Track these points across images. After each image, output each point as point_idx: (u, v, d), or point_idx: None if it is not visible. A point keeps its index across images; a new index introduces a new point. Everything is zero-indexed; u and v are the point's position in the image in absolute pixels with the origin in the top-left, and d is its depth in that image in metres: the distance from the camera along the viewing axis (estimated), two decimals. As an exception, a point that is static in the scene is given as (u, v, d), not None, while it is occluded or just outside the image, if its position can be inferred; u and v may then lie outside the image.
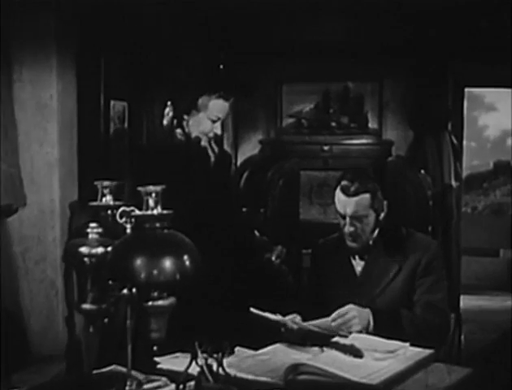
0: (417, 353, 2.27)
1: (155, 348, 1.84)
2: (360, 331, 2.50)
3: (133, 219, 1.86)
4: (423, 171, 5.70)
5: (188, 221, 2.10)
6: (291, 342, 2.42)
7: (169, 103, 2.89)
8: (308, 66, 6.33)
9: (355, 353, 2.25)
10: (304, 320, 2.51)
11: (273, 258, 2.98)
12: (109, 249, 1.86)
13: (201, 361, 1.89)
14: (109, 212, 2.02)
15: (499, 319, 6.34)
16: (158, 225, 1.80)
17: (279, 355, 2.30)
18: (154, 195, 1.81)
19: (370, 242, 2.76)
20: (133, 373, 1.96)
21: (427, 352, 2.28)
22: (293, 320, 2.49)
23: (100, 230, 1.93)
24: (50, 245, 3.41)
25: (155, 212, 1.80)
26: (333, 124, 6.51)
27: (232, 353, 2.24)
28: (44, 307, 3.41)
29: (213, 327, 2.42)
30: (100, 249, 1.89)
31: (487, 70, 6.17)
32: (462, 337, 3.39)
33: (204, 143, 2.88)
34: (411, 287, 2.70)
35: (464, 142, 6.96)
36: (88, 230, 1.92)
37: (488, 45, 5.67)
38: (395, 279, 2.72)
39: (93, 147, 3.91)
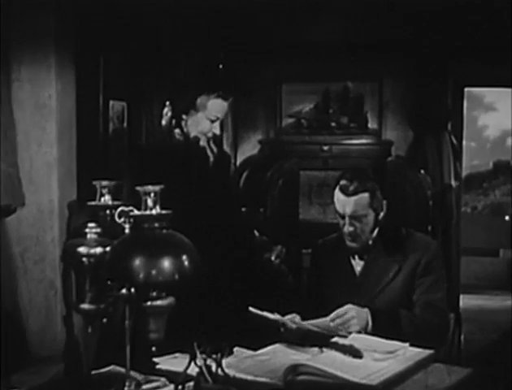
0: (417, 353, 2.27)
1: (154, 348, 1.84)
2: (359, 332, 2.49)
3: (132, 219, 1.86)
4: (422, 171, 5.70)
5: (187, 221, 2.09)
6: (290, 342, 2.42)
7: (167, 103, 2.88)
8: (308, 66, 6.32)
9: (354, 353, 2.24)
10: (303, 320, 2.50)
11: (273, 258, 2.97)
12: (107, 249, 1.86)
13: (200, 361, 1.89)
14: (107, 212, 2.02)
15: (499, 319, 6.34)
16: (156, 225, 1.79)
17: (279, 355, 2.30)
18: (152, 195, 1.80)
19: (370, 242, 2.76)
20: (132, 373, 1.95)
21: (427, 352, 2.28)
22: (292, 320, 2.48)
23: (98, 230, 1.93)
24: (49, 245, 3.41)
25: (154, 212, 1.80)
26: (333, 124, 6.50)
27: (231, 353, 2.23)
28: (43, 307, 3.41)
29: (212, 328, 2.41)
30: (98, 249, 1.89)
31: (487, 70, 6.17)
32: (462, 337, 3.39)
33: (203, 143, 2.87)
34: (411, 287, 2.70)
35: (464, 142, 6.96)
36: (87, 230, 1.92)
37: (487, 45, 5.67)
38: (394, 279, 2.71)
39: (92, 147, 3.90)
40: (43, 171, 3.43)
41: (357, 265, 2.79)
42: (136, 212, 1.83)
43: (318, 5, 5.29)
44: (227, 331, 2.38)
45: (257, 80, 6.38)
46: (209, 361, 1.90)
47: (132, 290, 1.80)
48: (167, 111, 2.88)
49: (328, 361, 2.16)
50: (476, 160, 10.53)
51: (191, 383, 1.92)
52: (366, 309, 2.55)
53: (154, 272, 1.73)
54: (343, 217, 2.71)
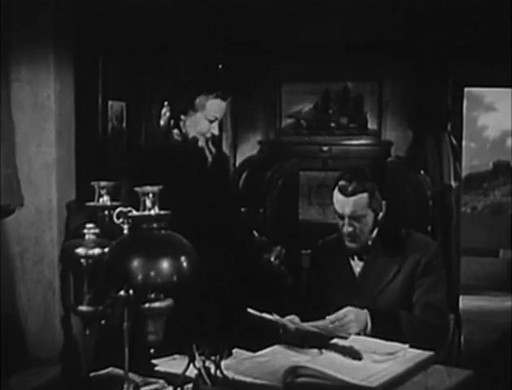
0: (417, 354, 2.26)
1: (152, 350, 1.83)
2: (358, 334, 2.48)
3: (130, 220, 1.85)
4: (422, 172, 5.70)
5: (186, 222, 2.08)
6: (289, 344, 2.41)
7: (166, 103, 2.87)
8: (307, 66, 6.31)
9: (354, 355, 2.24)
10: (303, 321, 2.50)
11: (272, 259, 2.96)
12: (106, 250, 1.85)
13: (198, 363, 1.88)
14: (106, 213, 2.01)
15: (499, 320, 6.34)
16: (155, 226, 1.79)
17: (278, 357, 2.29)
18: (151, 195, 1.80)
19: (369, 242, 2.75)
20: (130, 375, 1.95)
21: (427, 354, 2.27)
22: (291, 321, 2.47)
23: (97, 231, 1.92)
24: (48, 246, 3.39)
25: (152, 213, 1.79)
26: (332, 125, 6.49)
27: (229, 354, 2.23)
28: (41, 308, 3.39)
29: (211, 329, 2.40)
30: (97, 250, 1.88)
31: (487, 70, 6.16)
32: (462, 338, 3.38)
33: (201, 143, 2.87)
34: (410, 287, 2.69)
35: (464, 142, 6.96)
36: (85, 231, 1.91)
37: (487, 45, 5.66)
38: (394, 279, 2.71)
39: (91, 147, 3.89)
40: (42, 171, 3.41)
41: (357, 265, 2.78)
42: (134, 213, 1.82)
43: (318, 5, 5.29)
44: (226, 333, 2.38)
45: (256, 80, 6.37)
46: (208, 363, 1.89)
47: (131, 292, 1.79)
48: (165, 111, 2.87)
49: (328, 362, 2.16)
50: (476, 160, 10.53)
51: (190, 385, 1.92)
52: (365, 311, 2.55)
53: (152, 273, 1.72)
54: (342, 217, 2.70)
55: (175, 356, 2.24)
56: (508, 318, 5.97)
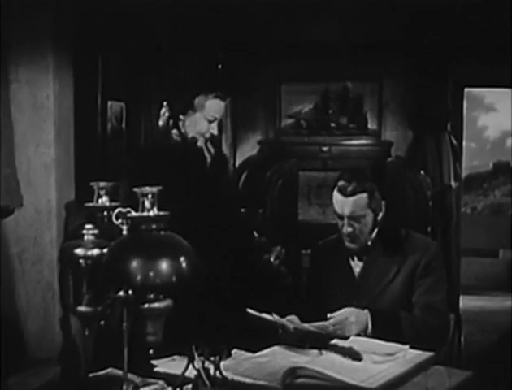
0: (417, 355, 2.25)
1: (151, 351, 1.82)
2: (359, 334, 2.48)
3: (129, 221, 1.84)
4: (422, 172, 5.69)
5: (185, 222, 2.08)
6: (289, 344, 2.40)
7: (165, 103, 2.87)
8: (307, 66, 6.31)
9: (354, 355, 2.23)
10: (302, 321, 2.49)
11: (272, 259, 2.96)
12: (105, 250, 1.85)
13: (198, 364, 1.88)
14: (105, 213, 2.01)
15: (499, 320, 6.33)
16: (154, 227, 1.78)
17: (278, 358, 2.29)
18: (150, 196, 1.79)
19: (369, 243, 2.75)
20: (130, 376, 1.94)
21: (427, 354, 2.27)
22: (291, 320, 2.47)
23: (96, 231, 1.92)
24: (47, 246, 3.39)
25: (151, 213, 1.78)
26: (332, 125, 6.49)
27: (229, 355, 2.22)
28: (40, 308, 3.39)
29: (210, 330, 2.40)
30: (96, 251, 1.88)
31: (487, 70, 6.16)
32: (462, 339, 3.37)
33: (200, 144, 2.86)
34: (410, 288, 2.69)
35: (464, 143, 6.95)
36: (84, 231, 1.91)
37: (487, 45, 5.66)
38: (394, 280, 2.70)
39: (91, 148, 3.88)
40: (41, 171, 3.41)
41: (357, 266, 2.78)
42: (133, 213, 1.81)
43: (318, 5, 5.28)
44: (225, 333, 2.37)
45: (256, 80, 6.37)
46: (207, 364, 1.89)
47: (130, 292, 1.79)
48: (164, 112, 2.87)
49: (327, 363, 2.15)
50: (476, 161, 10.52)
51: (189, 386, 1.91)
52: (365, 312, 2.54)
53: (151, 274, 1.72)
54: (341, 218, 2.70)
55: (175, 356, 2.24)
56: (508, 318, 5.97)
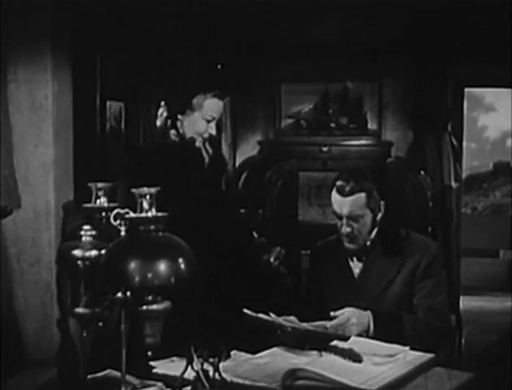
0: (417, 357, 2.24)
1: (150, 352, 1.81)
2: (360, 335, 2.47)
3: (127, 222, 1.83)
4: (422, 172, 5.68)
5: (184, 223, 2.06)
6: (289, 345, 2.39)
7: (163, 103, 2.85)
8: (307, 66, 6.31)
9: (354, 357, 2.22)
10: (302, 322, 2.48)
11: (272, 260, 2.95)
12: (103, 251, 1.83)
13: (197, 365, 1.86)
14: (103, 214, 1.99)
15: (499, 320, 6.33)
16: (152, 228, 1.77)
17: (277, 359, 2.27)
18: (148, 197, 1.78)
19: (368, 243, 2.73)
20: (128, 378, 1.93)
21: (428, 356, 2.25)
22: (289, 320, 2.45)
23: (93, 232, 1.90)
24: (45, 247, 3.39)
25: (150, 214, 1.77)
26: (332, 125, 6.48)
27: (228, 356, 2.21)
28: (39, 309, 3.39)
29: (209, 331, 2.38)
30: (93, 252, 1.86)
31: (487, 70, 6.16)
32: (463, 340, 3.36)
33: (198, 144, 2.85)
34: (410, 289, 2.68)
35: (464, 143, 6.95)
36: (82, 232, 1.90)
37: (488, 45, 5.66)
38: (394, 280, 2.69)
39: (89, 148, 3.88)
40: (39, 172, 3.41)
41: (356, 266, 2.77)
42: (131, 214, 1.80)
43: (319, 5, 5.28)
44: (224, 335, 2.36)
45: (256, 80, 6.37)
46: (206, 366, 1.87)
47: (128, 294, 1.78)
48: (162, 112, 2.85)
49: (327, 365, 2.14)
50: (476, 161, 10.52)
51: (188, 388, 1.90)
52: (367, 312, 2.53)
53: (149, 276, 1.70)
54: (340, 218, 2.69)
55: (173, 358, 2.23)
56: (508, 318, 5.96)
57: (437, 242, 3.51)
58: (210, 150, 2.89)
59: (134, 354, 1.87)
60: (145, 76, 4.43)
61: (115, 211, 1.86)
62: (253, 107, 6.51)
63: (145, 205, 1.77)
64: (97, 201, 2.03)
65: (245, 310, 2.38)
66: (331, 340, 2.38)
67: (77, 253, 1.86)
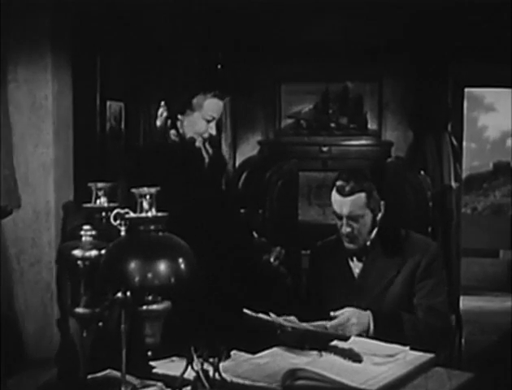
0: (417, 357, 2.24)
1: (150, 352, 1.81)
2: (360, 335, 2.47)
3: (127, 222, 1.83)
4: (422, 172, 5.68)
5: (184, 223, 2.06)
6: (289, 346, 2.39)
7: (163, 103, 2.85)
8: (307, 66, 6.30)
9: (354, 357, 2.21)
10: (302, 322, 2.47)
11: (272, 260, 2.94)
12: (103, 252, 1.83)
13: (197, 365, 1.86)
14: (103, 214, 1.99)
15: (499, 320, 6.33)
16: (152, 228, 1.77)
17: (277, 359, 2.27)
18: (148, 197, 1.78)
19: (368, 243, 2.73)
20: (128, 378, 1.93)
21: (428, 356, 2.25)
22: (289, 320, 2.45)
23: (93, 232, 1.90)
24: (45, 247, 3.39)
25: (150, 214, 1.77)
26: (332, 125, 6.48)
27: (228, 356, 2.21)
28: (39, 309, 3.39)
29: (209, 331, 2.38)
30: (93, 252, 1.86)
31: (487, 70, 6.16)
32: (463, 340, 3.36)
33: (198, 144, 2.85)
34: (410, 289, 2.68)
35: (464, 143, 6.95)
36: (82, 232, 1.89)
37: (488, 45, 5.66)
38: (394, 280, 2.69)
39: (89, 148, 3.88)
40: (39, 172, 3.41)
41: (356, 267, 2.77)
42: (131, 214, 1.80)
43: (319, 5, 5.28)
44: (224, 334, 2.36)
45: (256, 80, 6.37)
46: (206, 366, 1.87)
47: (128, 294, 1.78)
48: (162, 112, 2.85)
49: (327, 365, 2.14)
50: (476, 161, 10.52)
51: (188, 388, 1.90)
52: (367, 312, 2.53)
53: (149, 276, 1.70)
54: (340, 218, 2.69)
55: (173, 358, 2.23)
56: (508, 318, 5.96)
57: (437, 242, 3.51)
58: (210, 150, 2.89)
59: (134, 354, 1.87)
60: (145, 76, 4.43)
61: (115, 211, 1.86)
62: (253, 107, 6.51)
63: (145, 205, 1.77)
64: (97, 201, 2.03)
65: (245, 310, 2.38)
66: (331, 340, 2.37)
67: (77, 253, 1.86)
